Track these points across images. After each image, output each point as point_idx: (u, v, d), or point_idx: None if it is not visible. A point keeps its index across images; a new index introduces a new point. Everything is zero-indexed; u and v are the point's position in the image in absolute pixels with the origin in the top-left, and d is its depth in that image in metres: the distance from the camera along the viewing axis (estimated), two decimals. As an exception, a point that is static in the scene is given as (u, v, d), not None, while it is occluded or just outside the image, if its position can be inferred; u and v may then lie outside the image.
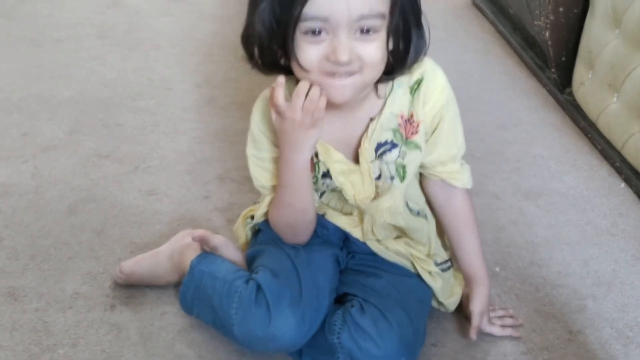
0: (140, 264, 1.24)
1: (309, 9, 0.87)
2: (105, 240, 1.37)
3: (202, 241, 1.19)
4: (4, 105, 1.90)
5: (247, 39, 0.96)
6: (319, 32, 0.89)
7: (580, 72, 1.78)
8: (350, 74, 0.92)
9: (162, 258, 1.23)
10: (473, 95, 1.97)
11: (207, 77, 2.10)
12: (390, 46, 0.95)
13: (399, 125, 1.03)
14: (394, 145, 1.04)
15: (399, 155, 1.04)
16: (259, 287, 1.02)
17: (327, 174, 1.06)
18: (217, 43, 2.35)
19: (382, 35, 0.92)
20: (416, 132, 1.04)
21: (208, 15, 2.62)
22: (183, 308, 1.16)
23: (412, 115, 1.03)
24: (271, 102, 0.98)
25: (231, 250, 1.21)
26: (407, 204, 1.11)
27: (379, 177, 1.06)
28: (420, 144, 1.04)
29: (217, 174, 1.61)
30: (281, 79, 0.95)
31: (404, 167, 1.05)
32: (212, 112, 1.89)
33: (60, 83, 2.05)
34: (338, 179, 1.06)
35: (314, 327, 1.03)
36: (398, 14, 0.92)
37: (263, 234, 1.16)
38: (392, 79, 1.01)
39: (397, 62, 0.97)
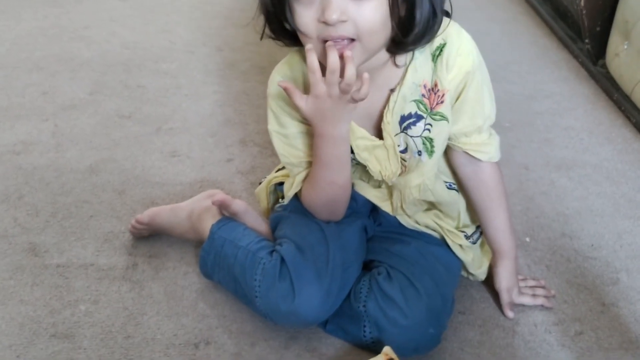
0: (160, 214, 1.21)
1: None
2: (126, 200, 1.35)
3: (222, 206, 1.16)
4: (24, 64, 1.88)
5: (259, 5, 0.92)
6: None
7: (615, 43, 1.73)
8: (346, 40, 0.86)
9: (181, 215, 1.20)
10: (501, 66, 1.93)
11: (228, 41, 2.07)
12: (400, 11, 0.87)
13: (423, 95, 0.98)
14: (418, 118, 0.98)
15: (424, 128, 0.99)
16: (282, 261, 1.00)
17: (350, 149, 1.02)
18: (239, 7, 2.31)
19: None
20: (441, 102, 0.97)
21: (230, -20, 2.58)
22: (203, 273, 1.14)
23: (436, 84, 0.97)
24: (292, 93, 0.92)
25: (251, 217, 1.18)
26: (441, 178, 1.07)
27: (405, 150, 1.02)
28: (446, 114, 0.98)
29: (240, 137, 1.57)
30: (313, 58, 0.87)
31: (431, 141, 1.00)
32: (233, 76, 1.86)
33: (80, 44, 2.02)
34: (361, 155, 1.02)
35: (339, 302, 1.01)
36: None
37: (291, 201, 1.11)
38: (406, 50, 0.94)
39: (403, 31, 0.89)
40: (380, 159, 1.02)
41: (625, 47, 1.67)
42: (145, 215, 1.21)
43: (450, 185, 1.09)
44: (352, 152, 1.02)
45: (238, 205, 1.17)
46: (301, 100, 0.92)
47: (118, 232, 1.26)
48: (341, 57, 0.86)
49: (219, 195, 1.18)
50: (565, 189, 1.42)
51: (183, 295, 1.12)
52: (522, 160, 1.51)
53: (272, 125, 1.04)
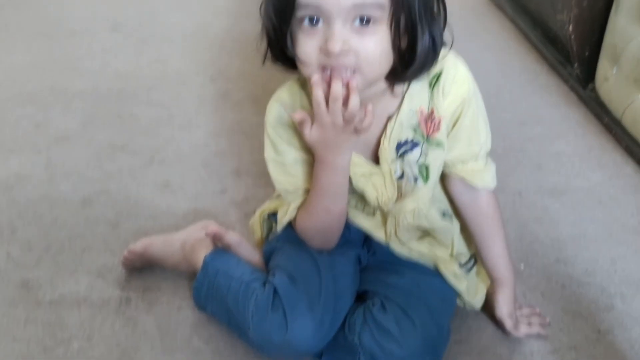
0: (153, 246, 1.21)
1: None
2: (120, 233, 1.35)
3: (216, 237, 1.16)
4: (17, 97, 1.88)
5: (262, 31, 0.93)
6: (316, 22, 0.85)
7: (604, 68, 1.74)
8: (348, 70, 0.86)
9: (174, 245, 1.20)
10: (493, 93, 1.94)
11: (222, 70, 2.08)
12: (401, 44, 0.88)
13: (419, 122, 0.99)
14: (414, 144, 0.99)
15: (420, 155, 1.00)
16: (275, 292, 0.99)
17: None
18: (232, 37, 2.33)
19: (383, 28, 0.86)
20: (438, 129, 0.98)
21: (223, 10, 2.59)
22: (197, 304, 1.14)
23: (432, 111, 0.98)
24: (298, 119, 0.93)
25: (245, 249, 1.18)
26: (435, 205, 1.07)
27: (401, 177, 1.02)
28: (442, 141, 0.99)
29: (234, 167, 1.58)
30: (318, 91, 0.88)
31: (426, 167, 1.01)
32: (227, 106, 1.86)
33: (73, 75, 2.02)
34: (359, 182, 1.02)
35: (332, 332, 1.01)
36: (401, 4, 0.85)
37: (284, 230, 1.12)
38: (405, 81, 0.95)
39: (403, 62, 0.90)
40: (376, 185, 1.03)
41: (614, 71, 1.69)
42: (138, 245, 1.21)
43: (444, 213, 1.09)
44: (350, 179, 1.02)
45: (232, 237, 1.17)
46: (308, 129, 0.93)
47: (111, 265, 1.26)
48: (346, 86, 0.87)
49: (213, 226, 1.18)
50: (559, 214, 1.43)
51: (177, 330, 1.12)
52: (515, 187, 1.51)
53: (268, 153, 1.04)
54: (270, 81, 1.98)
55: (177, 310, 1.16)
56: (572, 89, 1.92)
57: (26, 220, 1.37)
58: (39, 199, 1.44)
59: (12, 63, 2.09)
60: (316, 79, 0.87)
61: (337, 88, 0.87)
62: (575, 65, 1.85)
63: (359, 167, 1.01)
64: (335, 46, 0.84)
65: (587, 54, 1.82)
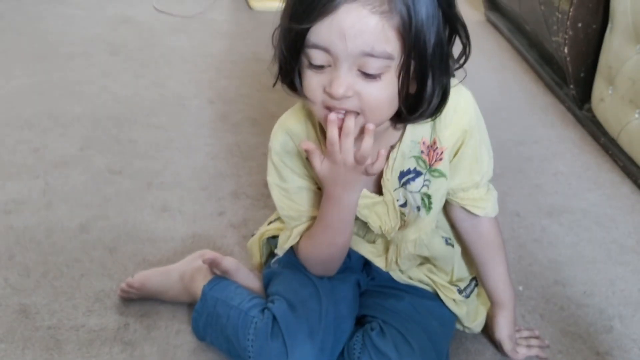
0: (151, 279, 1.21)
1: (311, 36, 0.83)
2: (117, 258, 1.34)
3: (213, 264, 1.15)
4: (15, 122, 1.88)
5: (274, 57, 0.93)
6: (324, 62, 0.85)
7: (599, 88, 1.76)
8: (350, 112, 0.86)
9: (173, 277, 1.20)
10: (490, 113, 1.94)
11: (220, 93, 2.09)
12: (410, 89, 0.87)
13: (422, 152, 0.98)
14: (417, 174, 0.99)
15: (423, 184, 0.99)
16: (274, 319, 0.99)
17: None
18: (230, 60, 2.34)
19: (390, 76, 0.85)
20: (440, 159, 0.98)
21: (220, 32, 2.62)
22: (196, 334, 1.13)
23: (434, 142, 0.97)
24: (306, 148, 0.93)
25: (243, 274, 1.17)
26: (439, 234, 1.07)
27: (404, 205, 1.02)
28: (445, 171, 0.99)
29: (232, 189, 1.58)
30: (333, 130, 0.88)
31: (429, 197, 1.00)
32: (225, 128, 1.87)
33: (71, 99, 2.03)
34: (362, 213, 1.02)
35: (333, 359, 1.00)
36: (411, 55, 0.84)
37: (284, 255, 1.11)
38: (408, 123, 0.94)
39: (409, 109, 0.89)
40: (380, 214, 1.03)
41: (610, 92, 1.70)
42: (137, 279, 1.20)
43: (447, 240, 1.09)
44: None
45: (229, 262, 1.17)
46: (318, 161, 0.93)
47: (109, 290, 1.25)
48: (362, 127, 0.87)
49: (209, 253, 1.18)
50: (557, 235, 1.43)
51: (175, 355, 1.11)
52: (513, 208, 1.52)
53: (272, 178, 1.03)
54: (269, 103, 2.00)
55: (175, 335, 1.15)
56: (569, 109, 1.93)
57: (24, 246, 1.37)
58: (36, 225, 1.44)
59: (10, 87, 2.10)
60: (332, 118, 0.87)
61: (349, 124, 0.86)
62: (572, 86, 1.87)
63: (362, 198, 1.01)
64: (339, 90, 0.84)
65: (582, 75, 1.83)
